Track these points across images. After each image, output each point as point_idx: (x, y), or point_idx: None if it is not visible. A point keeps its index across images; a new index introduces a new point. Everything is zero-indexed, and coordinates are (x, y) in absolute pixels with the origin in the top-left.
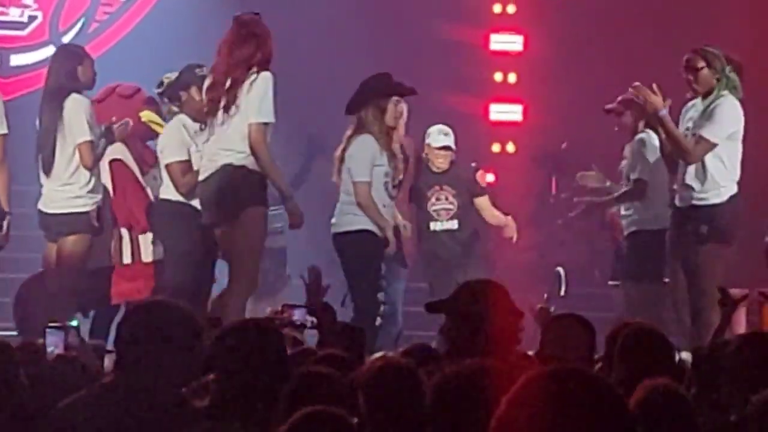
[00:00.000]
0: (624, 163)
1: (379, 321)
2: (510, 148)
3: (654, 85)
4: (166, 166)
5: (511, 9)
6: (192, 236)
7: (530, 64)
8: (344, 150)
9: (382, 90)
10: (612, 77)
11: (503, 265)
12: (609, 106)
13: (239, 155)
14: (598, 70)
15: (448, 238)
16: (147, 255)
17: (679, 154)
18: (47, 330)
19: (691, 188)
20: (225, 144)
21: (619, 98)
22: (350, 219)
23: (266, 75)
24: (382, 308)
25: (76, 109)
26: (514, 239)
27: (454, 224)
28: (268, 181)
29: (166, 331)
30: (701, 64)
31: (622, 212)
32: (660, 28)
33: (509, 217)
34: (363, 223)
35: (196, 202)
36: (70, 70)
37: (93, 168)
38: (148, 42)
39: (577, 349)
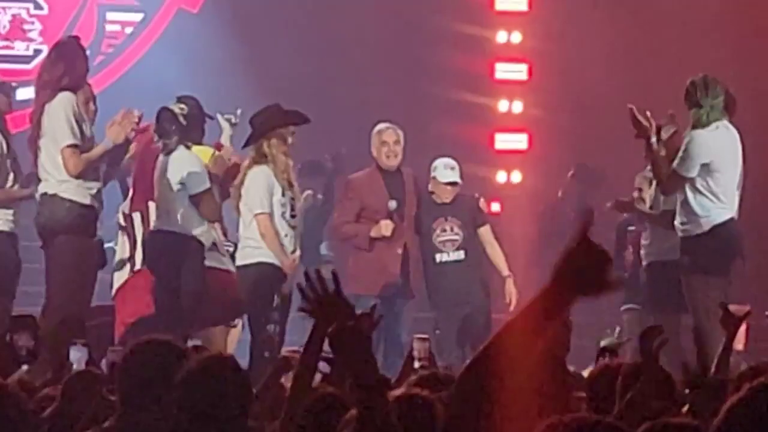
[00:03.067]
0: (636, 193)
1: (267, 355)
2: (515, 177)
3: (647, 113)
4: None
5: (515, 38)
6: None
7: (535, 92)
8: (241, 183)
9: (279, 120)
10: (617, 104)
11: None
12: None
13: (51, 182)
14: (603, 98)
15: (455, 269)
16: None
17: (658, 184)
18: (71, 347)
19: (679, 220)
20: (41, 172)
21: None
22: (249, 252)
23: (63, 96)
24: (273, 341)
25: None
26: (512, 304)
27: (460, 255)
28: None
29: (168, 372)
30: (686, 96)
31: (641, 242)
32: (665, 54)
33: (510, 280)
34: (260, 255)
35: None
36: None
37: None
38: (153, 74)
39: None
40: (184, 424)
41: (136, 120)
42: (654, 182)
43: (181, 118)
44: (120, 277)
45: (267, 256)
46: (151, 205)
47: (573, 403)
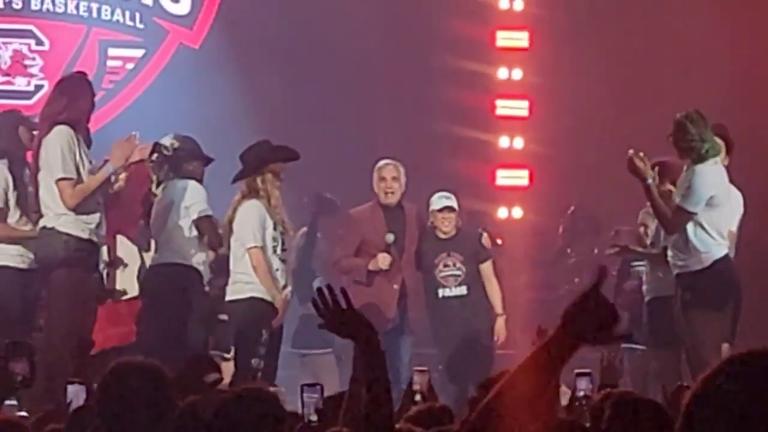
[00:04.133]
0: (641, 229)
1: None
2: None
3: (641, 154)
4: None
5: (516, 74)
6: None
7: (536, 128)
8: (232, 217)
9: (272, 156)
10: (618, 138)
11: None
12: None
13: (49, 216)
14: (604, 133)
15: (458, 304)
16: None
17: (661, 224)
18: (68, 385)
19: (676, 256)
20: (41, 206)
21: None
22: (240, 287)
23: (59, 129)
24: (256, 375)
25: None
26: (499, 341)
27: (462, 290)
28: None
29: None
30: (677, 132)
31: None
32: (665, 88)
33: (501, 319)
34: (252, 291)
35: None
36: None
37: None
38: (155, 109)
39: None
40: None
41: (137, 142)
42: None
43: (167, 151)
44: None
45: (259, 291)
46: (119, 238)
47: None
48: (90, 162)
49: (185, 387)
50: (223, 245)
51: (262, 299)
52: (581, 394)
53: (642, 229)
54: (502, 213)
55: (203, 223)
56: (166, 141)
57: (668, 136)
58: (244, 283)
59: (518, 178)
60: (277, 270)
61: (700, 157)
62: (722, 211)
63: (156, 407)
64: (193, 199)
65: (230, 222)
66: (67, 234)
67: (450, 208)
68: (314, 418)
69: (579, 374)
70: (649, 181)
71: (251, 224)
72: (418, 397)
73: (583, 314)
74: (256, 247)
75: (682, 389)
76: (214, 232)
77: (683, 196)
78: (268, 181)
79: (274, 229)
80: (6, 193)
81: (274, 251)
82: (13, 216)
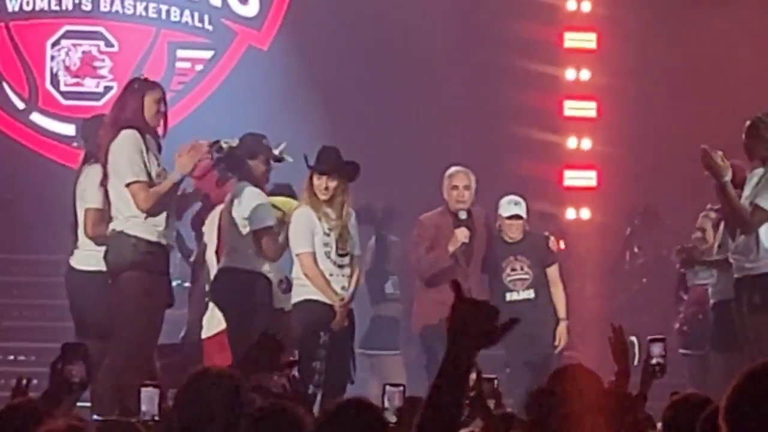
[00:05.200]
0: (699, 233)
1: (312, 389)
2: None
3: (719, 152)
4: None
5: (584, 75)
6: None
7: (604, 129)
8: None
9: (340, 168)
10: (686, 140)
11: (579, 333)
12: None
13: (119, 219)
14: (672, 134)
15: (525, 308)
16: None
17: (737, 223)
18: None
19: (744, 258)
20: (112, 210)
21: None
22: (297, 290)
23: (125, 133)
24: (317, 377)
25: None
26: (560, 345)
27: (530, 294)
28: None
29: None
30: (753, 131)
31: (706, 281)
32: (734, 89)
33: (563, 323)
34: (307, 293)
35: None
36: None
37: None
38: (223, 111)
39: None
40: None
41: (207, 150)
42: (721, 223)
43: (219, 151)
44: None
45: (313, 293)
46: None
47: None
48: (158, 165)
49: (253, 366)
50: (277, 258)
51: (317, 301)
52: (654, 361)
53: (700, 233)
54: (570, 214)
55: (258, 235)
56: (231, 140)
57: (742, 136)
58: (300, 286)
59: (586, 179)
60: (331, 275)
61: None
62: None
63: (234, 415)
64: (248, 209)
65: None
66: (136, 237)
67: (518, 216)
68: (393, 419)
69: (652, 340)
70: (726, 178)
71: (300, 230)
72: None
73: (460, 322)
74: (304, 252)
75: None
76: (269, 245)
77: (762, 195)
78: (305, 188)
79: (327, 234)
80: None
81: (327, 256)
82: None
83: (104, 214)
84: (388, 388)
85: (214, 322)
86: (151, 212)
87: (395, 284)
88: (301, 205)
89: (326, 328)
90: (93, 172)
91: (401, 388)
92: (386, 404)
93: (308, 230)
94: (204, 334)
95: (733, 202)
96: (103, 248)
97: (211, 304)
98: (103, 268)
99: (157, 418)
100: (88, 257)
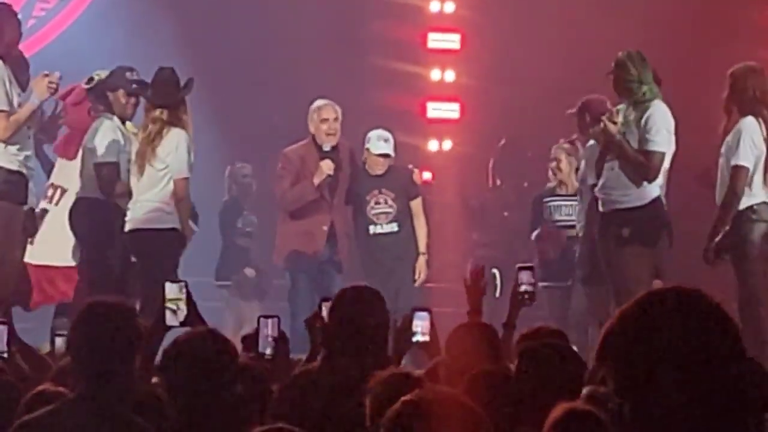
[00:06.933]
0: (554, 164)
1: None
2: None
3: (612, 110)
4: (99, 165)
5: (448, 7)
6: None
7: (467, 61)
8: (154, 142)
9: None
10: (549, 73)
11: (440, 264)
12: (570, 111)
13: None
14: (535, 68)
15: (388, 241)
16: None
17: (640, 173)
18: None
19: (613, 192)
20: None
21: (579, 103)
22: (160, 216)
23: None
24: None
25: None
26: (419, 279)
27: (393, 227)
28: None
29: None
30: (616, 71)
31: (567, 216)
32: (597, 26)
33: (422, 258)
34: (172, 222)
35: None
36: None
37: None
38: (84, 39)
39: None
40: None
41: (56, 81)
42: (582, 160)
43: (90, 83)
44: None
45: (177, 222)
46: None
47: None
48: (19, 95)
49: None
50: (115, 194)
51: (178, 230)
52: (523, 288)
53: (554, 163)
54: (432, 145)
55: (98, 169)
56: (102, 72)
57: (608, 74)
58: (166, 213)
59: (449, 111)
60: None
61: (639, 99)
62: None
63: (221, 374)
64: (99, 142)
65: (151, 145)
66: None
67: (387, 155)
68: (269, 351)
69: (521, 268)
70: (618, 137)
71: (183, 154)
72: (419, 338)
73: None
74: (186, 178)
75: None
76: (105, 180)
77: (650, 140)
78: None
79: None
80: None
81: None
82: None
83: None
84: (262, 319)
85: (44, 250)
86: (8, 141)
87: (246, 216)
88: (173, 126)
89: (180, 255)
90: None
91: (276, 318)
92: (267, 334)
93: (189, 155)
94: (34, 260)
95: (627, 154)
96: None
97: (42, 230)
98: None
99: (5, 355)
100: None
